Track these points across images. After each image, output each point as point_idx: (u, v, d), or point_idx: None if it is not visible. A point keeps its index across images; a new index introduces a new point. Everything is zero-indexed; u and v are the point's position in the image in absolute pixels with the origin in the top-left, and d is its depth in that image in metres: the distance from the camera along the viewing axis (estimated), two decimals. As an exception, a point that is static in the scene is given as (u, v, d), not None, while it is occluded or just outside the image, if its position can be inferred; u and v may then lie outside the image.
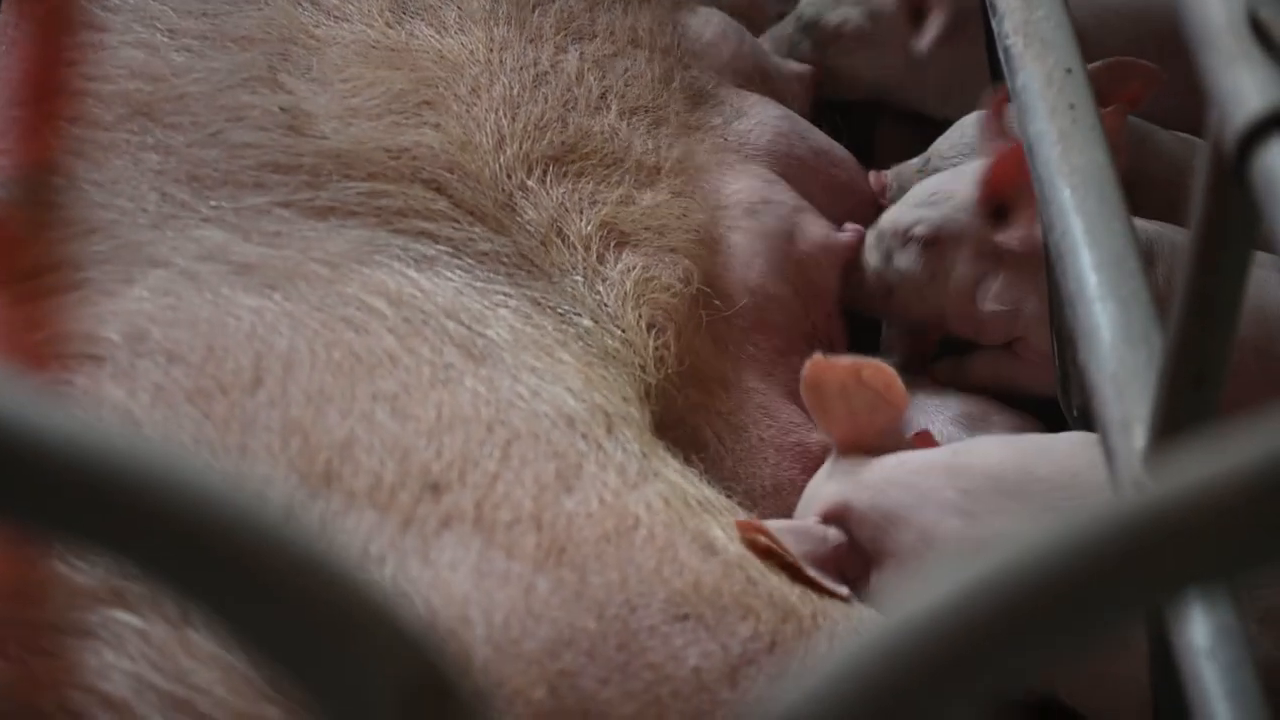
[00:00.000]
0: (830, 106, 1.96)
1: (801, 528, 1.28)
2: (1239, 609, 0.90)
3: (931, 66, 1.89)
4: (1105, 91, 1.25)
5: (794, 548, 1.23)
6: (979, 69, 1.72)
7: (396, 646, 0.60)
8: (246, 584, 0.59)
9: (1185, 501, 0.58)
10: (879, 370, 1.31)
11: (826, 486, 1.32)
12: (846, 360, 1.32)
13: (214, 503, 0.60)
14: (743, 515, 1.30)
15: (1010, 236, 1.54)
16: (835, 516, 1.29)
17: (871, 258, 1.67)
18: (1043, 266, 1.51)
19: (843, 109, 1.96)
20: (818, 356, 1.32)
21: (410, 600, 1.07)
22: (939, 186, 1.63)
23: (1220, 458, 0.59)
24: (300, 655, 0.60)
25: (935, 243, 1.61)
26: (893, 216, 1.65)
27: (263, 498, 0.61)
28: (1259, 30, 0.79)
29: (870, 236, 1.68)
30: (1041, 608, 0.58)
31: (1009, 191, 1.55)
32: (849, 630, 1.18)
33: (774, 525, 1.26)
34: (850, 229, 1.72)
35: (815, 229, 1.70)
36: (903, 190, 1.76)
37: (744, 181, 1.71)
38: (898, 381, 1.33)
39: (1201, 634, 0.90)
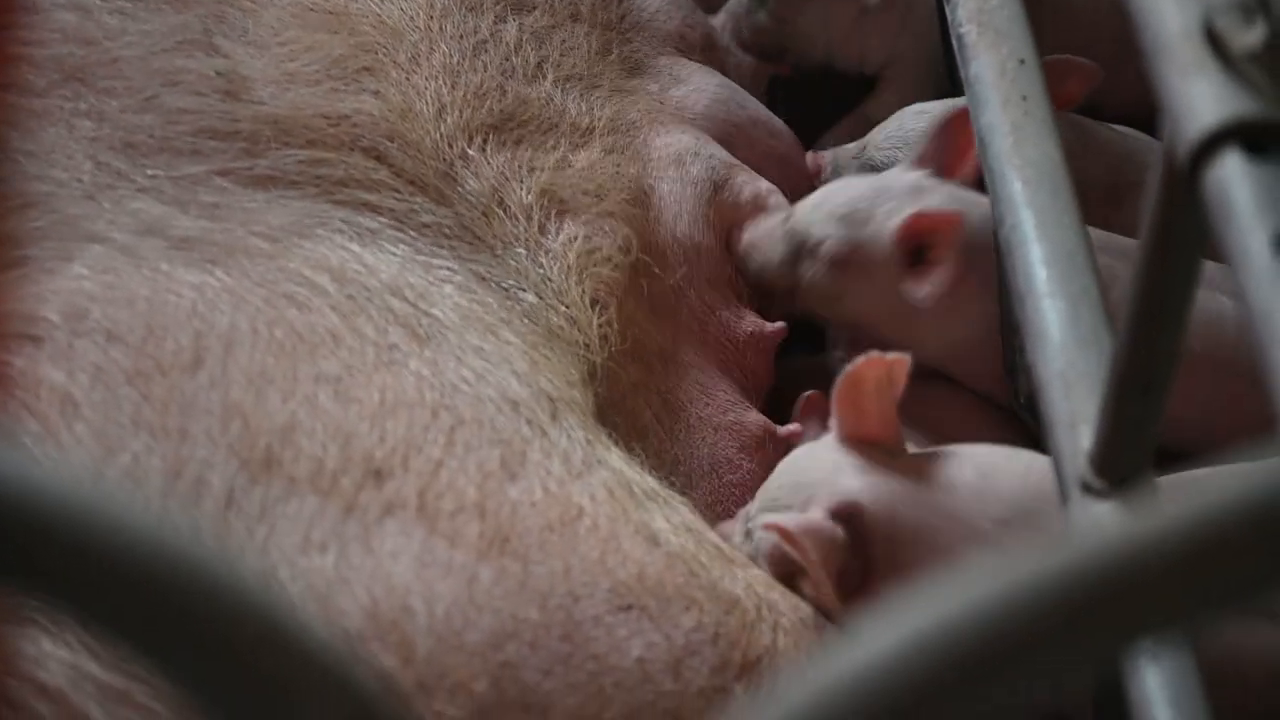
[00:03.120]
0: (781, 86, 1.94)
1: (814, 528, 1.22)
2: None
3: (874, 28, 1.86)
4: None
5: (815, 555, 1.20)
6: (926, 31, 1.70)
7: (326, 685, 0.60)
8: (173, 625, 0.59)
9: (1150, 548, 0.59)
10: (903, 365, 1.26)
11: (840, 480, 1.26)
12: (890, 357, 1.26)
13: (148, 548, 0.60)
14: (684, 503, 1.28)
15: (917, 289, 1.47)
16: (845, 515, 1.24)
17: (777, 249, 1.58)
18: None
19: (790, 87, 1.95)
20: (874, 354, 1.26)
21: (344, 638, 1.06)
22: (857, 202, 1.54)
23: (1182, 506, 0.59)
24: (230, 695, 0.59)
25: (845, 264, 1.53)
26: (806, 220, 1.56)
27: (188, 537, 0.60)
28: (1214, 41, 0.78)
29: (779, 225, 1.59)
30: (992, 663, 0.58)
31: (925, 246, 1.48)
32: (799, 630, 1.18)
33: (791, 526, 1.22)
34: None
35: (750, 186, 1.69)
36: (838, 174, 1.72)
37: (674, 136, 1.68)
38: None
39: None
